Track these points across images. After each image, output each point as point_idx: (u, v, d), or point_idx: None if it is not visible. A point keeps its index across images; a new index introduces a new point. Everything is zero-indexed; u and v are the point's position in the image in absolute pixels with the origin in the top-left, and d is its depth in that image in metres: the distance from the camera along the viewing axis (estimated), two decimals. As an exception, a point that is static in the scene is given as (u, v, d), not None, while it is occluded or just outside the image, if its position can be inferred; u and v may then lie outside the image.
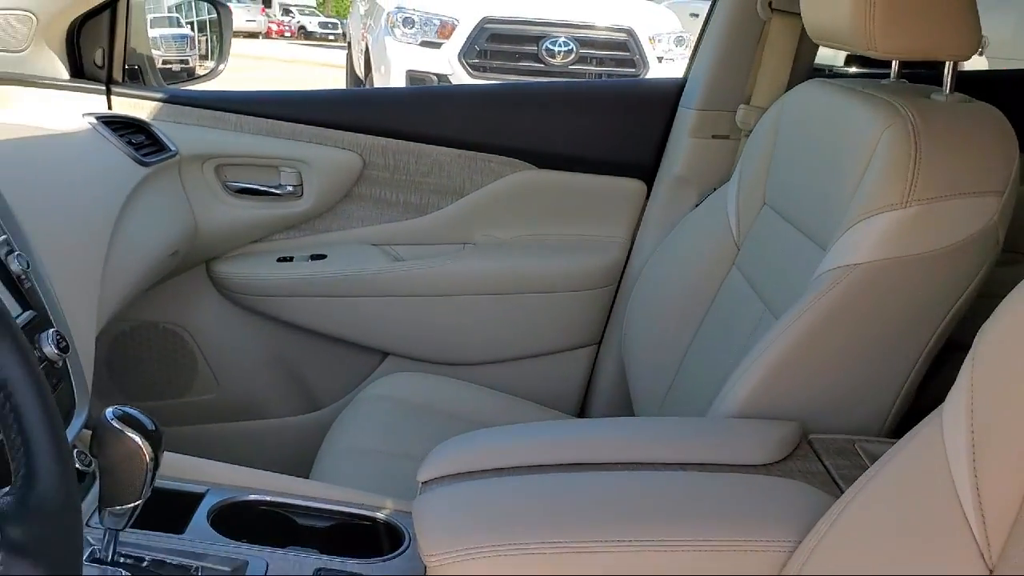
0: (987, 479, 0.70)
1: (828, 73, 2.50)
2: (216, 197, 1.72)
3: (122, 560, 0.94)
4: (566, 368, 1.85)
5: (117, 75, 1.68)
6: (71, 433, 1.00)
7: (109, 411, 0.88)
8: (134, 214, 1.45)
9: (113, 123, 1.56)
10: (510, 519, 0.89)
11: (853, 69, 2.74)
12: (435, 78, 5.70)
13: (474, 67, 5.73)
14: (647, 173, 1.80)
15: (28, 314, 0.99)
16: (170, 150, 1.63)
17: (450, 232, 1.80)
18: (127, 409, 0.88)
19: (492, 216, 1.80)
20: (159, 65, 1.91)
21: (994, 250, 1.09)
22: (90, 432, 0.89)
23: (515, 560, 0.86)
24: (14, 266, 1.00)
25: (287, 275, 1.75)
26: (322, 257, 1.77)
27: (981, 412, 0.72)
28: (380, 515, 1.09)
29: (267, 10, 28.54)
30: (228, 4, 2.04)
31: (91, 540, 0.94)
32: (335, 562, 1.00)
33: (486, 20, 5.72)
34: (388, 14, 5.98)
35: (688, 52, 1.96)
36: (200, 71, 2.11)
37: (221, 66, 1.95)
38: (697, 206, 1.64)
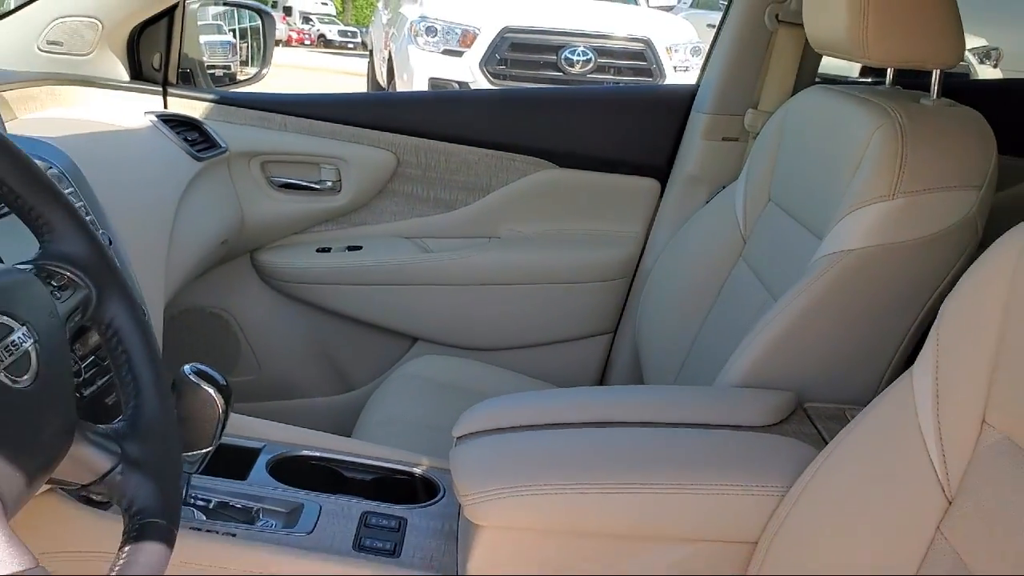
0: (948, 426, 0.82)
1: (838, 81, 2.62)
2: (261, 191, 1.86)
3: (192, 501, 1.07)
4: (583, 354, 1.97)
5: (172, 77, 1.82)
6: None
7: (187, 367, 1.01)
8: (191, 204, 1.58)
9: (171, 121, 1.70)
10: (533, 465, 1.02)
11: (869, 79, 2.87)
12: (456, 85, 5.83)
13: (495, 75, 5.86)
14: (661, 172, 1.92)
15: None
16: (221, 147, 1.76)
17: (476, 226, 1.93)
18: (202, 366, 1.01)
19: (516, 212, 1.93)
20: (206, 70, 2.04)
21: (973, 240, 1.20)
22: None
23: (537, 500, 0.98)
24: None
25: (325, 264, 1.89)
26: (358, 248, 1.91)
27: (944, 370, 0.83)
28: (417, 470, 1.22)
29: (288, 18, 28.78)
30: (272, 12, 2.18)
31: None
32: (380, 507, 1.12)
33: (507, 30, 5.85)
34: (411, 23, 6.12)
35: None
36: (241, 76, 2.23)
37: (264, 70, 2.09)
38: (707, 203, 1.76)
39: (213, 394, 0.99)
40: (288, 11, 29.56)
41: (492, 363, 1.84)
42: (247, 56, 2.30)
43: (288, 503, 1.10)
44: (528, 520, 1.00)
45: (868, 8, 1.17)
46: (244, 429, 1.23)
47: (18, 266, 0.73)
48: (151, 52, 1.79)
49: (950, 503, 0.80)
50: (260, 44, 2.20)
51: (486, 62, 5.85)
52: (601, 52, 5.86)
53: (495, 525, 1.00)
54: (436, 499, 1.16)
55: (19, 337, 0.65)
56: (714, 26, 1.93)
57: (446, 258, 1.89)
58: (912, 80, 1.42)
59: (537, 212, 1.93)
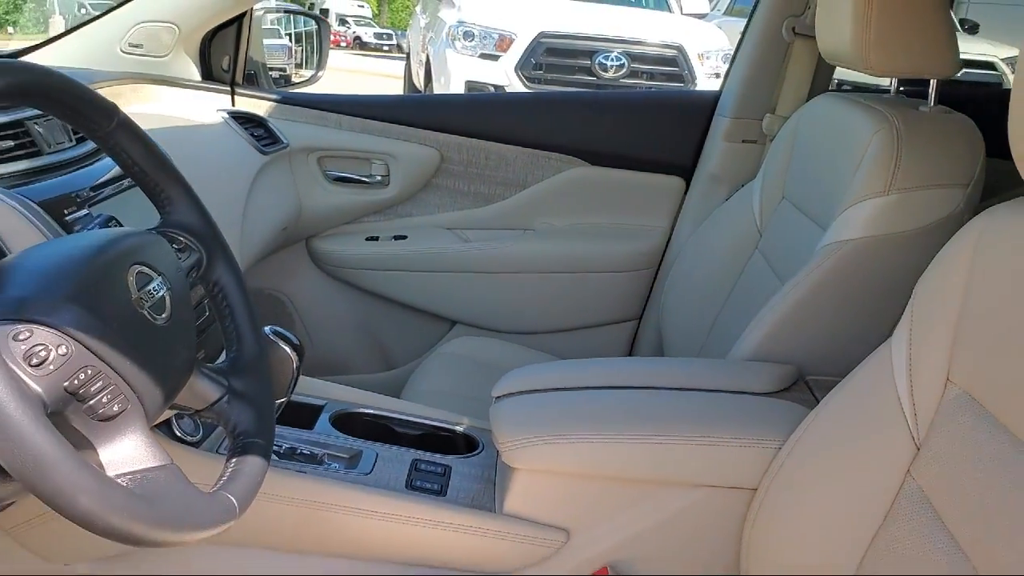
0: (918, 384, 0.95)
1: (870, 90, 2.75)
2: (318, 184, 2.03)
3: (268, 446, 1.23)
4: (610, 339, 2.12)
5: (239, 78, 1.99)
6: None
7: (267, 328, 1.17)
8: (257, 194, 1.75)
9: (239, 118, 1.87)
10: (562, 418, 1.17)
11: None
12: (492, 88, 5.97)
13: (530, 79, 5.99)
14: (686, 171, 2.06)
15: None
16: (283, 143, 1.94)
17: (513, 219, 2.09)
18: (280, 328, 1.17)
19: (550, 206, 2.08)
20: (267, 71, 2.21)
21: None
22: None
23: (564, 447, 1.14)
24: None
25: (373, 252, 2.06)
26: (403, 238, 2.07)
27: (916, 337, 0.98)
28: (459, 428, 1.37)
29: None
30: (326, 18, 2.35)
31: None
32: (428, 456, 1.28)
33: (543, 35, 5.98)
34: (449, 27, 6.28)
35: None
36: (296, 78, 2.39)
37: (320, 73, 2.25)
38: (727, 200, 1.90)
39: (288, 351, 1.15)
40: (325, 13, 29.87)
41: (525, 345, 2.00)
42: (302, 59, 2.47)
43: (349, 450, 1.26)
44: (556, 464, 1.15)
45: (870, 23, 1.30)
46: (310, 389, 1.39)
47: (151, 231, 0.90)
48: (221, 55, 1.96)
49: (918, 449, 0.94)
50: (315, 48, 2.37)
51: (521, 66, 5.97)
52: (634, 58, 5.97)
53: (528, 468, 1.16)
54: (476, 452, 1.32)
55: (156, 285, 0.81)
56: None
57: (484, 248, 2.05)
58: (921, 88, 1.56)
59: (569, 206, 2.08)
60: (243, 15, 1.92)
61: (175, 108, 1.84)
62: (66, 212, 1.06)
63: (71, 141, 1.21)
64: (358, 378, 2.12)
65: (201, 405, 0.89)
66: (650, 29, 6.13)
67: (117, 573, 1.19)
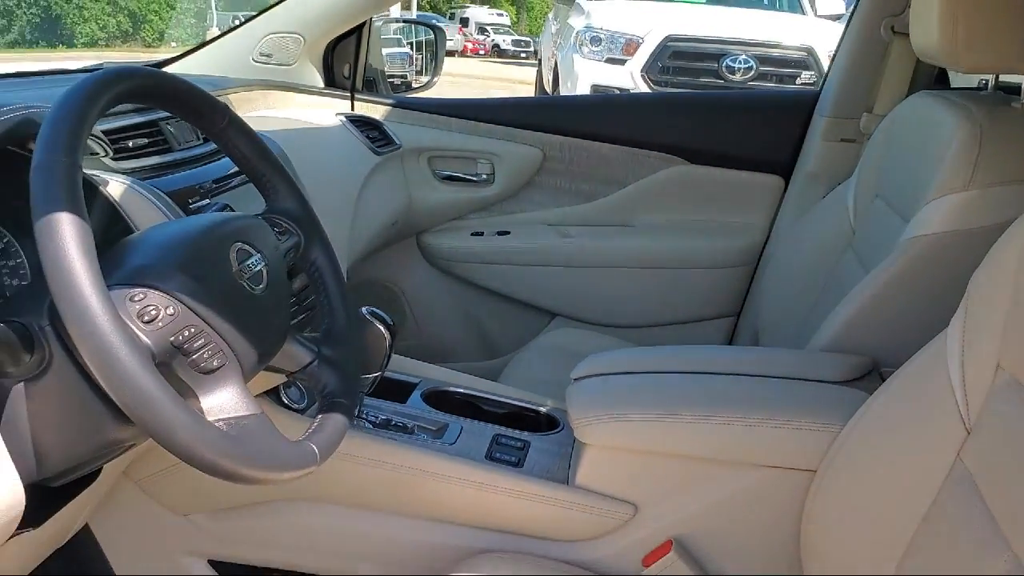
0: (970, 370, 0.98)
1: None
2: (427, 182, 2.16)
3: (365, 415, 1.36)
4: (707, 335, 2.16)
5: (358, 84, 2.15)
6: None
7: (364, 308, 1.29)
8: (369, 191, 1.89)
9: (356, 121, 2.02)
10: (631, 398, 1.24)
11: None
12: (617, 92, 6.03)
13: (656, 82, 6.00)
14: (784, 169, 2.09)
15: None
16: (396, 144, 2.08)
17: (613, 216, 2.16)
18: (376, 309, 1.29)
19: (649, 203, 2.14)
20: (386, 78, 2.37)
21: None
22: None
23: (631, 425, 1.21)
24: None
25: (478, 246, 2.17)
26: (506, 233, 2.18)
27: (970, 326, 1.00)
28: (542, 409, 1.46)
29: (464, 29, 29.77)
30: (442, 27, 2.49)
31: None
32: (509, 431, 1.37)
33: (670, 38, 6.00)
34: (577, 33, 6.38)
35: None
36: (415, 84, 2.54)
37: (435, 79, 2.39)
38: (824, 198, 1.92)
39: (382, 329, 1.27)
40: (465, 22, 30.57)
41: (621, 339, 2.06)
42: (422, 66, 2.62)
43: (437, 422, 1.37)
44: (624, 441, 1.22)
45: (958, 19, 1.31)
46: (406, 367, 1.52)
47: (255, 216, 1.03)
48: (342, 63, 2.12)
49: (968, 433, 0.97)
50: (433, 55, 2.51)
51: (648, 69, 6.00)
52: (763, 60, 5.91)
53: (598, 444, 1.24)
54: (556, 430, 1.40)
55: (254, 261, 0.94)
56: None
57: (584, 243, 2.13)
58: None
59: (668, 203, 2.14)
60: (362, 26, 2.08)
61: (300, 112, 2.01)
62: (190, 201, 1.21)
63: (199, 140, 1.37)
64: (461, 365, 2.23)
65: (294, 368, 1.02)
66: (780, 31, 6.04)
67: (229, 524, 1.34)
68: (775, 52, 5.93)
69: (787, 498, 1.19)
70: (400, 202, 2.09)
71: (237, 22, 2.09)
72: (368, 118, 2.07)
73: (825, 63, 5.87)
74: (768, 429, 1.19)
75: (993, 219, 1.30)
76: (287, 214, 1.07)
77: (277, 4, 2.01)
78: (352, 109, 2.11)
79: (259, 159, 1.05)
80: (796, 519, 1.17)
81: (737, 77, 5.91)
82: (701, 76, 5.97)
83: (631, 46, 6.11)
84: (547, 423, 1.44)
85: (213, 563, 1.37)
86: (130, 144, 1.23)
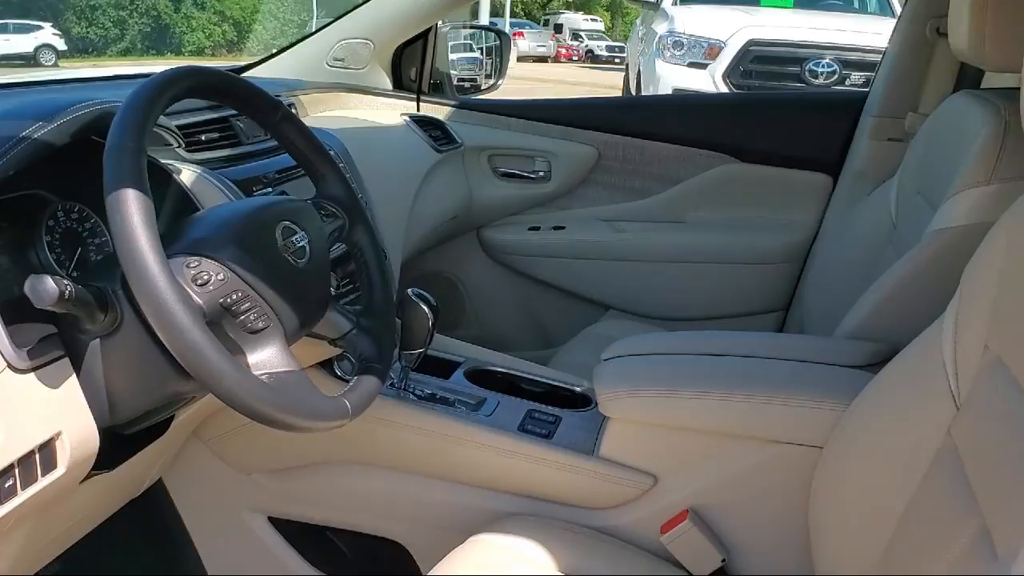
0: (961, 351, 1.04)
1: None
2: (487, 179, 2.28)
3: (411, 388, 1.47)
4: (757, 329, 2.21)
5: (424, 87, 2.28)
6: None
7: (410, 290, 1.41)
8: (429, 185, 2.02)
9: (420, 121, 2.15)
10: (652, 376, 1.33)
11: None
12: (698, 96, 6.05)
13: (737, 86, 5.99)
14: (833, 168, 2.13)
15: None
16: (457, 142, 2.20)
17: (665, 212, 2.24)
18: (420, 290, 1.41)
19: (700, 200, 2.21)
20: (455, 82, 2.49)
21: None
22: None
23: (650, 401, 1.30)
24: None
25: (535, 241, 2.28)
26: (562, 228, 2.28)
27: (963, 311, 1.06)
28: (577, 388, 1.55)
29: (557, 36, 29.95)
30: (510, 33, 2.60)
31: (391, 376, 1.48)
32: (542, 407, 1.47)
33: (751, 43, 6.00)
34: (660, 37, 6.43)
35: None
36: (484, 86, 2.67)
37: (500, 81, 2.51)
38: (869, 196, 1.96)
39: (426, 309, 1.38)
40: (558, 28, 30.75)
41: (670, 331, 2.14)
42: (491, 70, 2.74)
43: (476, 397, 1.48)
44: (645, 415, 1.31)
45: (987, 18, 1.35)
46: (451, 347, 1.63)
47: (304, 200, 1.16)
48: (409, 67, 2.26)
49: (958, 410, 1.03)
50: (499, 59, 2.63)
51: (729, 74, 6.01)
52: (846, 64, 5.86)
53: (621, 418, 1.33)
54: (588, 408, 1.50)
55: (298, 238, 1.06)
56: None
57: (637, 238, 2.22)
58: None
59: (719, 200, 2.20)
60: (428, 31, 2.21)
61: (368, 113, 2.16)
62: (254, 189, 1.35)
63: (264, 135, 1.51)
64: (517, 355, 2.34)
65: (335, 335, 1.14)
66: (865, 34, 5.97)
67: (286, 483, 1.48)
68: (859, 56, 5.86)
69: (796, 472, 1.25)
70: (460, 197, 2.21)
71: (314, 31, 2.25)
72: (431, 118, 2.20)
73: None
74: (778, 407, 1.26)
75: None
76: (334, 199, 1.20)
77: (349, 12, 2.16)
78: (417, 110, 2.24)
79: (310, 150, 1.18)
80: (804, 492, 1.23)
81: (820, 81, 5.87)
82: (783, 80, 5.95)
83: (713, 50, 6.13)
84: (581, 401, 1.53)
85: (272, 520, 1.51)
86: (203, 138, 1.38)
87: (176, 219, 1.14)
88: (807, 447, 1.25)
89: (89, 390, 0.99)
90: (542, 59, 26.20)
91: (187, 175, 1.24)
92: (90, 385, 0.99)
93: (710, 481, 1.30)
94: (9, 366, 0.90)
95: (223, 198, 1.24)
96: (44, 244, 1.10)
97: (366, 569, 1.51)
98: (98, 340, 0.98)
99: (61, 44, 21.60)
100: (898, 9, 6.74)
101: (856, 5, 7.31)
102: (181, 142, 1.31)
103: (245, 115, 1.23)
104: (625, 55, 23.17)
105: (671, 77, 6.21)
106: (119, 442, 1.08)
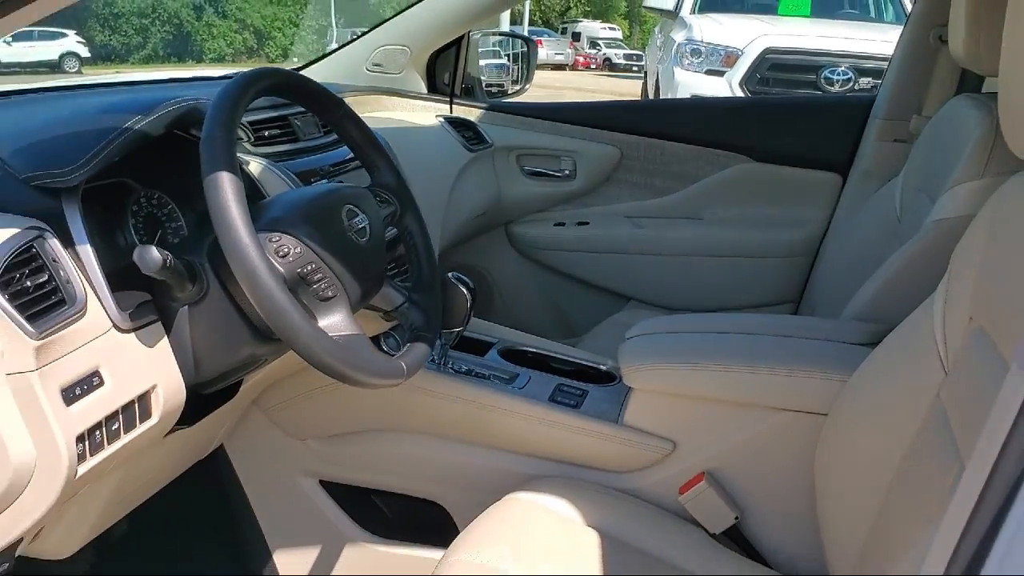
0: (949, 322, 1.16)
1: None
2: (515, 177, 2.42)
3: (450, 365, 1.61)
4: None
5: (457, 91, 2.42)
6: None
7: (450, 273, 1.54)
8: (462, 182, 2.16)
9: (453, 122, 2.30)
10: (671, 351, 1.46)
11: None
12: (715, 103, 6.15)
13: (753, 93, 6.10)
14: (842, 167, 2.26)
15: None
16: (488, 143, 2.34)
17: (683, 209, 2.37)
18: (460, 274, 1.54)
19: (717, 198, 2.35)
20: (484, 86, 2.63)
21: None
22: None
23: (669, 373, 1.43)
24: None
25: (560, 236, 2.42)
26: (586, 224, 2.42)
27: (951, 287, 1.18)
28: (603, 367, 1.69)
29: (575, 44, 30.09)
30: (535, 40, 2.75)
31: (432, 353, 1.61)
32: (571, 382, 1.60)
33: (768, 51, 6.11)
34: (678, 45, 6.54)
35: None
36: (510, 91, 2.81)
37: (527, 86, 2.66)
38: (875, 193, 2.08)
39: (464, 291, 1.52)
40: (576, 37, 30.89)
41: None
42: (517, 76, 2.88)
43: (509, 372, 1.61)
44: (664, 386, 1.44)
45: (981, 25, 1.47)
46: (486, 329, 1.77)
47: (361, 187, 1.30)
48: (443, 72, 2.40)
49: (946, 374, 1.15)
50: (526, 65, 2.77)
51: (746, 81, 6.11)
52: (862, 72, 5.96)
53: (642, 388, 1.46)
54: (612, 383, 1.63)
55: (359, 219, 1.20)
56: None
57: (657, 234, 2.35)
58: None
59: (734, 198, 2.33)
60: (461, 38, 2.35)
61: (405, 114, 2.30)
62: (312, 180, 1.49)
63: (320, 132, 1.66)
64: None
65: (389, 307, 1.28)
66: (880, 43, 6.06)
67: (336, 449, 1.62)
68: (875, 64, 5.96)
69: (803, 437, 1.38)
70: (490, 194, 2.35)
71: (355, 37, 2.40)
72: (464, 119, 2.34)
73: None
74: (787, 379, 1.39)
75: None
76: (387, 187, 1.34)
77: (387, 21, 2.31)
78: (451, 112, 2.38)
79: (366, 143, 1.32)
80: (810, 455, 1.36)
81: (836, 88, 5.96)
82: (800, 87, 6.05)
83: (730, 58, 6.24)
84: (605, 378, 1.66)
85: (323, 483, 1.65)
86: (266, 134, 1.52)
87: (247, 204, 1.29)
88: (813, 414, 1.38)
89: (178, 351, 1.13)
90: (560, 67, 26.35)
91: (254, 166, 1.38)
92: (179, 346, 1.14)
93: (724, 446, 1.43)
94: (115, 326, 1.05)
95: (285, 187, 1.38)
96: (130, 226, 1.25)
97: (406, 528, 1.64)
98: (186, 307, 1.12)
99: (85, 51, 21.99)
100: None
101: (872, 14, 7.42)
102: (250, 136, 1.46)
103: (311, 111, 1.37)
104: (643, 63, 23.29)
105: (689, 84, 6.32)
106: (199, 402, 1.22)
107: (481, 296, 2.52)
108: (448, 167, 2.13)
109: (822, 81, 5.99)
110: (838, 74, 5.97)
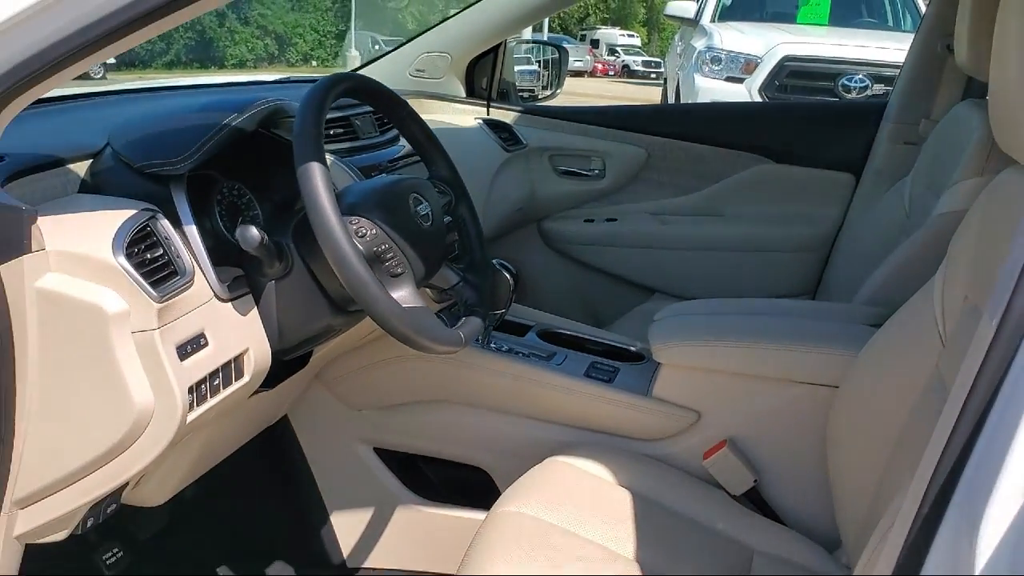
0: (947, 300, 1.30)
1: None
2: (548, 176, 2.58)
3: (492, 344, 1.77)
4: None
5: (494, 95, 2.58)
6: None
7: (496, 260, 1.69)
8: (499, 181, 2.32)
9: (491, 124, 2.46)
10: (696, 329, 1.61)
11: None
12: (735, 110, 6.28)
13: (772, 100, 6.26)
14: (856, 168, 2.40)
15: None
16: (523, 143, 2.50)
17: (706, 206, 2.52)
18: (502, 260, 1.70)
19: (737, 196, 2.49)
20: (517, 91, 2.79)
21: None
22: None
23: (695, 349, 1.58)
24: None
25: (590, 231, 2.57)
26: (614, 220, 2.57)
27: (949, 271, 1.33)
28: (633, 348, 1.84)
29: (594, 50, 30.20)
30: (565, 47, 2.90)
31: (477, 333, 1.77)
32: (604, 360, 1.76)
33: (787, 58, 6.23)
34: (699, 52, 6.67)
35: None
36: (540, 95, 2.96)
37: (557, 91, 2.82)
38: (886, 192, 2.22)
39: (508, 277, 1.67)
40: (595, 44, 30.98)
41: None
42: (547, 81, 3.04)
43: (547, 351, 1.76)
44: (690, 361, 1.60)
45: (982, 34, 1.60)
46: (525, 314, 1.92)
47: (423, 178, 1.46)
48: (481, 77, 2.56)
49: (944, 346, 1.29)
50: (557, 71, 2.93)
51: (765, 88, 6.23)
52: (878, 79, 6.07)
53: (670, 364, 1.61)
54: (642, 362, 1.78)
55: (423, 206, 1.36)
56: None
57: (681, 229, 2.50)
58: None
59: (754, 196, 2.48)
60: (499, 46, 2.51)
61: (446, 116, 2.46)
62: (372, 174, 1.65)
63: (377, 132, 1.82)
64: None
65: (446, 286, 1.44)
66: (896, 51, 6.16)
67: (389, 418, 1.77)
68: (891, 72, 6.06)
69: (816, 407, 1.52)
70: (524, 192, 2.51)
71: (377, 46, 2.55)
72: (500, 122, 2.50)
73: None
74: (802, 355, 1.54)
75: None
76: (443, 179, 1.50)
77: (429, 29, 2.48)
78: (488, 114, 2.54)
79: (425, 139, 1.48)
80: (823, 423, 1.50)
81: (852, 95, 6.07)
82: (817, 95, 6.16)
83: (750, 65, 6.36)
84: (635, 357, 1.81)
85: (376, 450, 1.81)
86: (331, 132, 1.69)
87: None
88: (825, 387, 1.52)
89: (265, 320, 1.30)
90: (578, 74, 26.48)
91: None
92: (266, 316, 1.30)
93: (745, 416, 1.58)
94: (216, 296, 1.21)
95: (350, 180, 1.54)
96: (216, 214, 1.41)
97: (452, 491, 1.80)
98: (273, 282, 1.29)
99: (110, 58, 22.22)
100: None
101: (891, 23, 7.52)
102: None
103: (378, 111, 1.53)
104: (661, 70, 23.40)
105: (709, 91, 6.45)
106: (279, 367, 1.38)
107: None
108: (487, 166, 2.29)
109: (839, 88, 6.10)
110: (855, 81, 6.07)
